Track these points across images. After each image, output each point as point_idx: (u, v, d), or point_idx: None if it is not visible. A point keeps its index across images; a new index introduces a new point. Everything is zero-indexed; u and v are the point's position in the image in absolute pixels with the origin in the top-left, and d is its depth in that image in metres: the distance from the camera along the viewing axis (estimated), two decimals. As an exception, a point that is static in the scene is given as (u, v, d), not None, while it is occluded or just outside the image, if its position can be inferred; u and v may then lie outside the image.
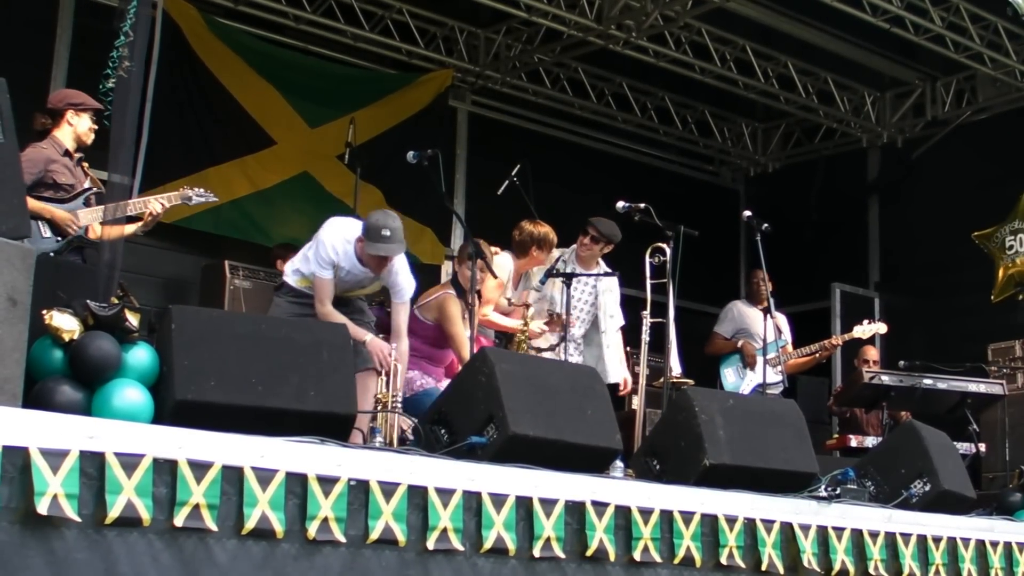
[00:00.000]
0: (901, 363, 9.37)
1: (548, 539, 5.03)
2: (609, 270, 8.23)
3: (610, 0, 10.49)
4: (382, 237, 6.53)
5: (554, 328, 7.89)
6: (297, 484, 4.45)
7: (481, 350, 5.72)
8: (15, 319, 4.12)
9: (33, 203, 6.54)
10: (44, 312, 4.36)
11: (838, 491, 6.19)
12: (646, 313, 8.05)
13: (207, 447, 4.28)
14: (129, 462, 4.09)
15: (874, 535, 6.22)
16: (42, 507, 3.87)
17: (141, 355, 4.55)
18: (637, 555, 5.29)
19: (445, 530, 4.76)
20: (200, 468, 4.23)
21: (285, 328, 5.07)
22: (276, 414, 4.69)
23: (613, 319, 8.43)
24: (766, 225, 8.02)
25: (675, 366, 8.00)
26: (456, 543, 4.78)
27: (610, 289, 8.41)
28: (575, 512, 5.15)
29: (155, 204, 6.84)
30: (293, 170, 10.58)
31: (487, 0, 10.50)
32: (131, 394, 4.45)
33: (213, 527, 4.23)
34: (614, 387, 8.19)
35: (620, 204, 7.82)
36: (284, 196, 10.46)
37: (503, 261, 7.77)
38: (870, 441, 9.28)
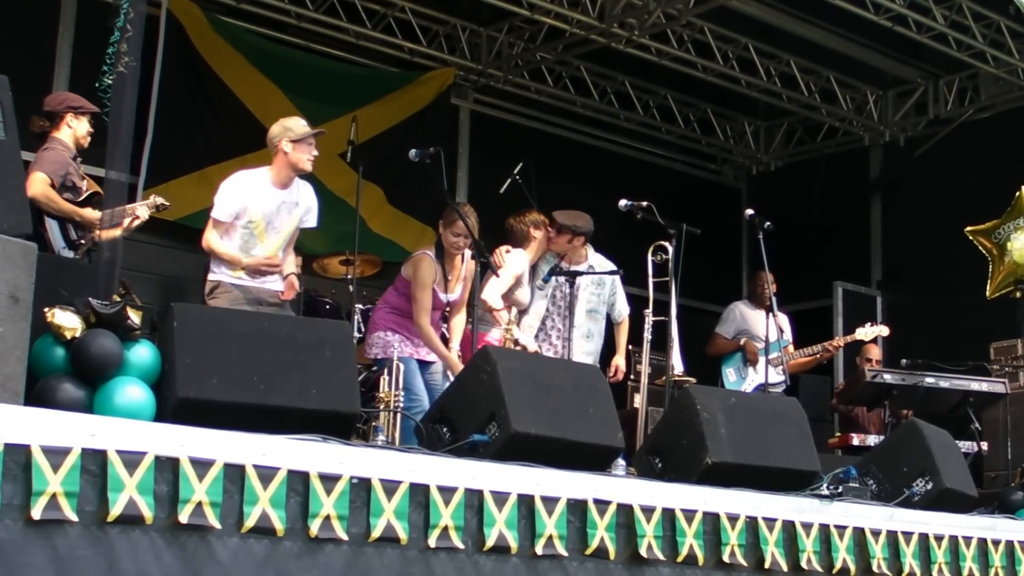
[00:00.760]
0: (903, 362, 9.36)
1: (550, 537, 5.04)
2: (614, 267, 8.20)
3: (612, -2, 10.50)
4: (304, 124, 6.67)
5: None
6: (299, 482, 4.46)
7: (483, 348, 5.72)
8: (17, 317, 4.13)
9: (66, 205, 6.58)
10: (46, 310, 4.36)
11: (840, 489, 6.19)
12: (648, 311, 8.04)
13: (209, 445, 4.28)
14: (131, 460, 4.10)
15: (876, 534, 6.23)
16: (37, 510, 3.88)
17: (143, 353, 4.56)
18: (639, 553, 5.29)
19: (447, 528, 4.76)
20: (202, 466, 4.24)
21: (287, 326, 5.08)
22: (278, 412, 4.69)
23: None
24: (768, 223, 8.02)
25: (677, 364, 7.99)
26: (458, 541, 4.79)
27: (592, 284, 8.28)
28: (577, 510, 5.16)
29: (143, 210, 6.86)
30: (295, 168, 10.57)
31: (489, -2, 10.52)
32: (133, 392, 4.45)
33: (215, 525, 4.24)
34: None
35: (622, 202, 7.81)
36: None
37: (514, 259, 7.71)
38: (872, 440, 9.26)
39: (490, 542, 4.87)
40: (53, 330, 4.39)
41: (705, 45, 11.43)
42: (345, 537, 4.52)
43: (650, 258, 8.02)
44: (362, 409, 5.40)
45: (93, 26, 9.25)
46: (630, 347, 8.68)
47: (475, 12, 11.53)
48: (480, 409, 5.25)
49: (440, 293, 7.22)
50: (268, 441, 4.43)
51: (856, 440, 9.37)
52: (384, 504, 4.62)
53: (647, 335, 8.09)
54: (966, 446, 8.54)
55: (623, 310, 8.33)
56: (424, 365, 7.18)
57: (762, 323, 8.84)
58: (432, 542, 4.72)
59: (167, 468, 4.18)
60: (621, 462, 5.71)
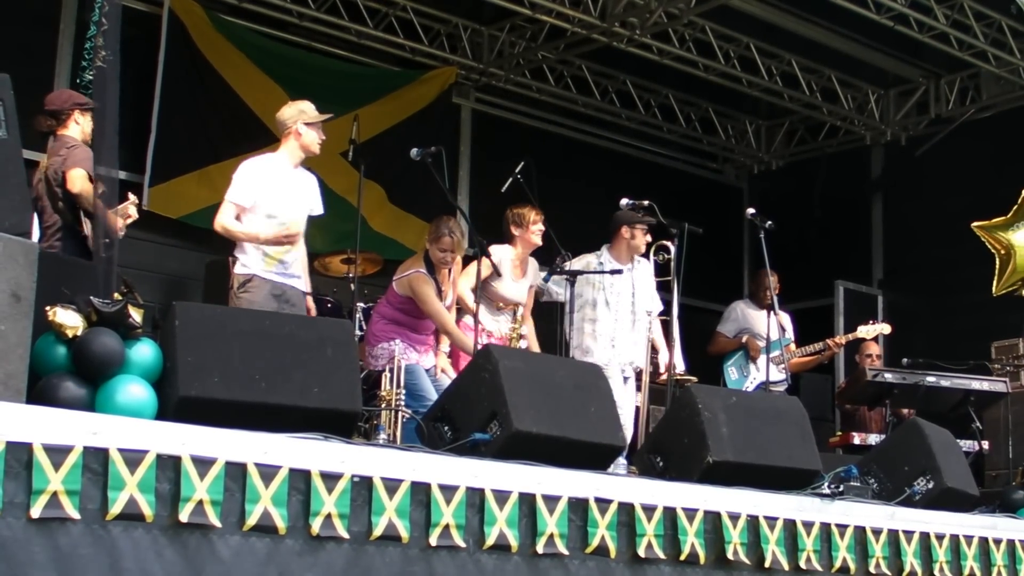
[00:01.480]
0: (904, 361, 9.36)
1: (551, 536, 5.04)
2: (619, 267, 8.20)
3: (614, -3, 10.50)
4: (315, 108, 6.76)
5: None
6: (300, 480, 4.46)
7: (485, 347, 5.73)
8: (19, 315, 4.13)
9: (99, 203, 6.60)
10: (48, 308, 4.36)
11: (841, 488, 6.19)
12: (650, 311, 8.05)
13: (210, 443, 4.29)
14: (132, 458, 4.10)
15: (877, 532, 6.22)
16: (38, 508, 3.88)
17: (145, 351, 4.56)
18: (640, 552, 5.29)
19: (448, 527, 4.76)
20: (203, 464, 4.24)
21: (289, 325, 5.08)
22: (279, 410, 4.69)
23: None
24: (769, 222, 8.02)
25: (678, 363, 8.00)
26: (459, 540, 4.79)
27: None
28: (578, 509, 5.16)
29: (132, 208, 6.88)
30: (296, 167, 10.58)
31: (491, -3, 10.52)
32: (135, 390, 4.45)
33: (216, 523, 4.24)
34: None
35: (624, 201, 7.82)
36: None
37: (496, 252, 7.72)
38: (873, 438, 9.26)
39: (491, 541, 4.87)
40: (55, 328, 4.39)
41: (706, 44, 11.43)
42: (346, 535, 4.53)
43: (652, 257, 8.03)
44: (364, 408, 5.40)
45: (94, 25, 9.29)
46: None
47: (477, 11, 11.53)
48: (481, 408, 5.25)
49: None
50: (270, 440, 4.43)
51: (857, 439, 9.37)
52: (385, 502, 4.62)
53: (649, 334, 8.10)
54: (967, 445, 8.54)
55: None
56: (428, 371, 7.24)
57: (763, 322, 8.84)
58: (433, 540, 4.72)
59: (169, 466, 4.18)
60: (622, 461, 5.72)
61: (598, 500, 5.20)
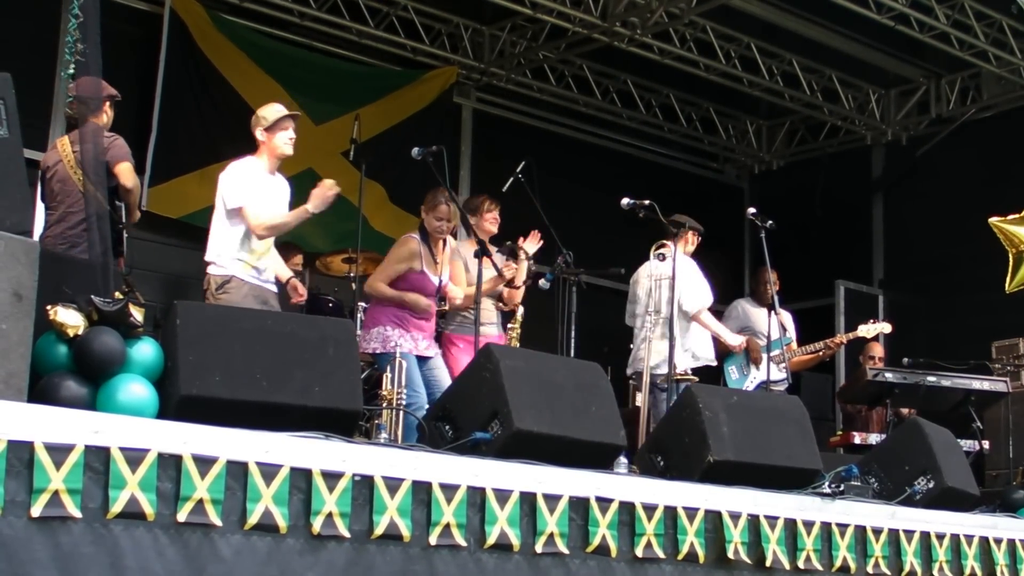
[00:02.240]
0: (905, 360, 9.36)
1: (552, 535, 5.04)
2: (621, 269, 8.20)
3: (615, -3, 10.51)
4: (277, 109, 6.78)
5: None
6: (301, 479, 4.46)
7: (486, 346, 5.72)
8: (20, 314, 4.13)
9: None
10: (49, 307, 4.36)
11: (842, 488, 6.19)
12: (652, 310, 8.05)
13: (211, 442, 4.29)
14: (134, 457, 4.10)
15: (877, 532, 6.22)
16: (40, 507, 3.89)
17: (146, 350, 4.56)
18: (640, 551, 5.29)
19: (449, 526, 4.76)
20: (204, 463, 4.25)
21: (290, 324, 5.08)
22: (281, 409, 4.69)
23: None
24: (770, 222, 8.02)
25: (679, 363, 7.99)
26: (460, 539, 4.79)
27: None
28: (579, 508, 5.16)
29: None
30: (297, 167, 10.50)
31: (492, -3, 10.53)
32: (136, 389, 4.45)
33: (217, 522, 4.24)
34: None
35: (625, 201, 7.81)
36: (287, 193, 10.47)
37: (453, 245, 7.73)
38: (874, 438, 9.26)
39: (492, 540, 4.87)
40: (56, 327, 4.39)
41: (707, 44, 11.44)
42: (347, 534, 4.53)
43: (653, 257, 8.03)
44: (365, 407, 5.40)
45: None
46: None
47: (478, 11, 11.54)
48: (482, 407, 5.25)
49: (431, 276, 7.27)
50: (271, 438, 4.43)
51: (858, 438, 9.37)
52: (387, 501, 4.62)
53: (649, 334, 8.09)
54: (968, 445, 8.53)
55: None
56: (423, 360, 7.19)
57: (764, 321, 8.84)
58: (434, 539, 4.72)
59: (170, 465, 4.18)
60: (623, 460, 5.71)
61: (599, 499, 5.20)
